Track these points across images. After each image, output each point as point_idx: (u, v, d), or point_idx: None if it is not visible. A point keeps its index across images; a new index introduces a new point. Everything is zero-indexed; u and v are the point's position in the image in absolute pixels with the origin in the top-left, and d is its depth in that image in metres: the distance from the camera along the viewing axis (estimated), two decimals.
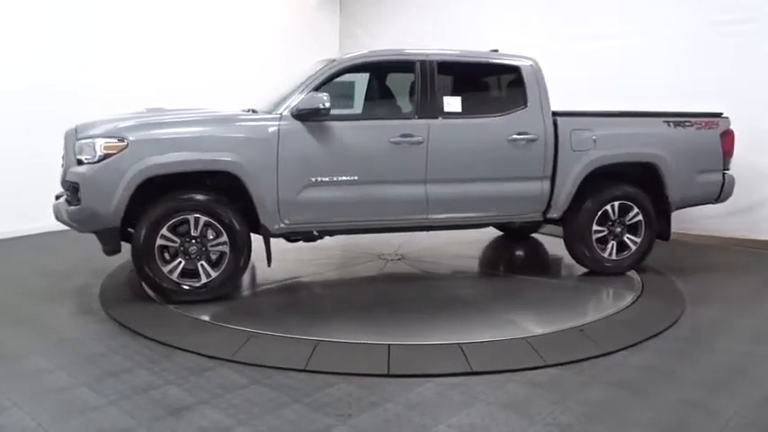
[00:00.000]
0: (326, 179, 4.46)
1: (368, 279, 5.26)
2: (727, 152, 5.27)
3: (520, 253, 6.45)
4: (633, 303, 4.51)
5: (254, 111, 4.65)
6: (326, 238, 4.96)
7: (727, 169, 5.35)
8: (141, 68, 7.83)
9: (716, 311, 4.48)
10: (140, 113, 4.75)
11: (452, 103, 4.71)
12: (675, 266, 5.41)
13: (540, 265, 6.08)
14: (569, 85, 7.28)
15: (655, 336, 3.92)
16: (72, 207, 4.20)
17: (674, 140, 5.09)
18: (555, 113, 4.86)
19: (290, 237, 4.78)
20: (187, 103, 5.83)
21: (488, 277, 5.46)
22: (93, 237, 4.45)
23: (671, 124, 5.10)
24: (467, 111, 4.76)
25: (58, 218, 4.39)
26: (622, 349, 3.69)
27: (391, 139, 4.52)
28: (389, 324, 4.05)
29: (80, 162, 4.16)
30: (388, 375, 3.30)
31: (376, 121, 4.78)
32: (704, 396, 3.12)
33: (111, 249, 4.34)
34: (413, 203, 4.65)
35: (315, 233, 4.73)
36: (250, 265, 4.98)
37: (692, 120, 5.17)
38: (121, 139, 4.12)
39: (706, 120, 5.21)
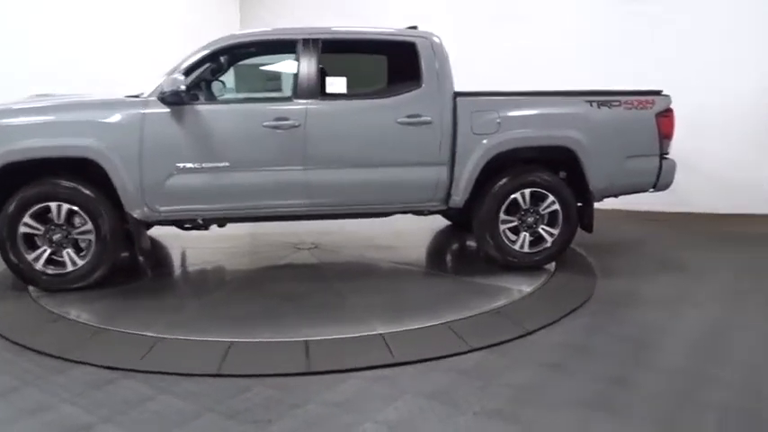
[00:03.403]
0: (195, 166, 4.26)
1: (277, 269, 5.00)
2: (666, 135, 4.74)
3: (454, 246, 6.07)
4: (549, 281, 4.56)
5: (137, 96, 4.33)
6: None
7: (666, 154, 4.82)
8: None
9: (625, 283, 4.62)
10: (22, 100, 4.50)
11: (336, 84, 4.50)
12: (585, 241, 5.45)
13: (468, 257, 5.70)
14: (488, 67, 7.40)
15: (571, 312, 3.98)
16: None
17: (597, 122, 4.60)
18: (458, 94, 4.55)
19: (182, 225, 4.64)
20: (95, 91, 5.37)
21: (401, 270, 5.10)
22: None
23: (594, 104, 4.62)
24: (352, 92, 4.57)
25: None
26: (542, 328, 3.71)
27: (265, 124, 4.29)
28: (304, 318, 3.84)
29: None
30: (308, 373, 3.12)
31: (248, 105, 4.58)
32: (622, 369, 3.18)
33: None
34: (291, 190, 4.42)
35: (200, 222, 4.56)
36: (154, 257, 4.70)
37: (621, 99, 4.67)
38: None
39: (638, 99, 4.70)
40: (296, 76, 4.44)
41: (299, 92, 4.41)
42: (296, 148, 4.35)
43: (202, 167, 4.27)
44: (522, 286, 4.44)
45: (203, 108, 4.32)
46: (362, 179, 4.48)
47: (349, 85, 4.62)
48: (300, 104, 4.37)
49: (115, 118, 4.15)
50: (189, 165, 4.25)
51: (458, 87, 4.63)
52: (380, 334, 3.52)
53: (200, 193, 4.33)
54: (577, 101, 4.68)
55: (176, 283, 4.85)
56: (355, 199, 4.57)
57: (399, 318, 3.80)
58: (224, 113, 4.41)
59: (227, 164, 4.29)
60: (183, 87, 4.11)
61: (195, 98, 4.40)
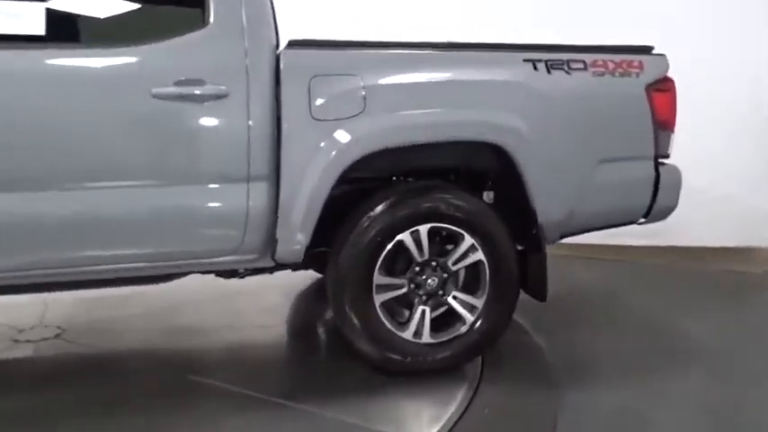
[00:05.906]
0: None
1: None
2: (664, 121, 2.70)
3: (327, 319, 3.47)
4: (471, 403, 2.31)
5: None
6: None
7: (666, 156, 2.79)
8: None
9: (611, 395, 2.48)
10: None
11: (21, 18, 2.16)
12: (522, 303, 3.24)
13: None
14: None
15: None
16: None
17: (546, 97, 2.52)
18: (290, 45, 2.35)
19: None
20: None
21: (213, 395, 2.45)
22: None
23: (539, 65, 2.51)
24: (57, 33, 2.23)
25: None
26: None
27: None
28: None
29: None
30: None
31: None
32: None
33: None
34: None
35: None
36: None
37: (586, 58, 2.59)
38: None
39: (615, 59, 2.62)
40: None
41: None
42: None
43: None
44: (420, 425, 2.21)
45: None
46: (84, 212, 2.16)
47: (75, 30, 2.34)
48: None
49: None
50: None
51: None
52: None
53: None
54: (512, 60, 2.52)
55: None
56: (75, 255, 2.22)
57: None
58: None
59: None
60: None
61: None
